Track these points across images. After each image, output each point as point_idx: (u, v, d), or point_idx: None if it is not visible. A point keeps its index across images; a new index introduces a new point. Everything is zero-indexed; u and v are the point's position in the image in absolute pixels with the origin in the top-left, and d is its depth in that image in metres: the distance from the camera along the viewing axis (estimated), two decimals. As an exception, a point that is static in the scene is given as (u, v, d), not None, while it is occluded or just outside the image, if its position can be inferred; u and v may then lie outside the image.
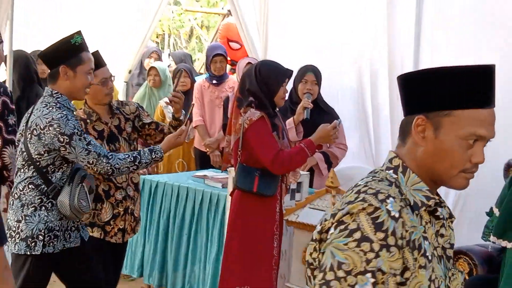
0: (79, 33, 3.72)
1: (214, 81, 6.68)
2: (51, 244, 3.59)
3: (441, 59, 5.71)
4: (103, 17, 7.85)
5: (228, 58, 7.29)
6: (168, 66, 8.24)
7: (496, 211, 3.56)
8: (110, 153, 3.65)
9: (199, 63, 12.72)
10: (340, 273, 1.61)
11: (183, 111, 4.21)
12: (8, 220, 3.61)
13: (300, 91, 5.34)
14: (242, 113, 4.28)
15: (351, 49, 6.12)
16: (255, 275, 4.32)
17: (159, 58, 8.52)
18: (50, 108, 3.52)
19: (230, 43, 8.73)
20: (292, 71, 4.47)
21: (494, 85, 1.82)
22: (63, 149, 3.49)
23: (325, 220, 1.74)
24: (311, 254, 1.78)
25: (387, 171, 1.83)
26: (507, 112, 5.28)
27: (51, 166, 3.55)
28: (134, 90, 8.10)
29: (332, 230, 1.69)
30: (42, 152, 3.51)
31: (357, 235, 1.63)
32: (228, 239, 4.42)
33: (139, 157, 3.72)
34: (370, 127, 6.11)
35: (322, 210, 4.21)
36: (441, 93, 1.75)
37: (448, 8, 5.62)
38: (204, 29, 17.27)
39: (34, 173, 3.54)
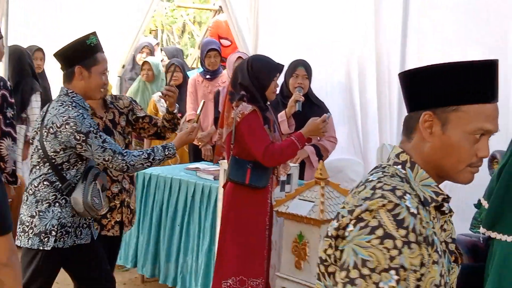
0: (94, 34, 3.71)
1: (208, 76, 6.68)
2: (62, 239, 3.60)
3: (428, 56, 5.74)
4: (97, 13, 7.82)
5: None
6: (161, 61, 8.23)
7: (485, 203, 3.57)
8: (125, 150, 3.67)
9: (191, 58, 12.72)
10: (365, 271, 1.58)
11: (177, 105, 4.21)
12: (21, 215, 3.61)
13: (291, 85, 5.35)
14: (234, 107, 4.29)
15: (340, 46, 6.13)
16: (248, 265, 4.34)
17: (151, 53, 8.50)
18: (66, 107, 3.53)
19: (221, 40, 8.73)
20: (283, 66, 4.48)
21: (498, 80, 1.79)
22: (80, 146, 3.50)
23: (342, 216, 1.70)
24: (325, 250, 1.74)
25: (395, 166, 1.80)
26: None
27: (66, 163, 3.56)
28: (127, 84, 8.09)
29: (351, 227, 1.66)
30: (58, 150, 3.52)
31: (380, 232, 1.60)
32: (222, 231, 4.44)
33: (153, 154, 3.73)
34: (358, 121, 6.13)
35: (311, 201, 4.22)
36: (448, 89, 1.74)
37: (434, 5, 5.64)
38: (196, 24, 17.25)
39: (49, 170, 3.55)
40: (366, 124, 6.10)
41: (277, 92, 4.71)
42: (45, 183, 3.56)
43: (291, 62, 5.38)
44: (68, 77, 3.64)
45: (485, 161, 4.00)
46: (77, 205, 3.54)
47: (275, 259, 4.59)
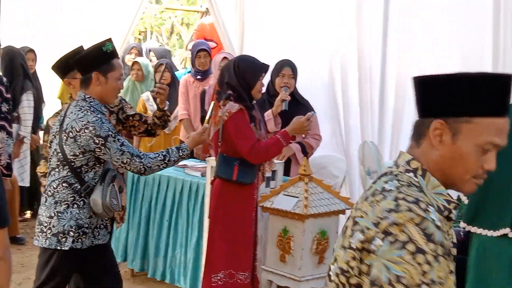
0: (110, 40, 3.73)
1: (199, 77, 6.67)
2: (80, 240, 3.60)
3: (407, 56, 5.77)
4: (90, 14, 7.75)
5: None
6: (150, 61, 8.21)
7: (464, 199, 3.58)
8: (142, 153, 3.67)
9: (178, 59, 12.70)
10: (400, 287, 1.54)
11: (167, 102, 4.20)
12: (40, 216, 3.61)
13: (277, 84, 5.34)
14: (221, 106, 4.30)
15: (323, 46, 6.14)
16: (236, 259, 4.35)
17: (139, 54, 8.48)
18: (85, 112, 3.54)
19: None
20: (268, 66, 4.49)
21: (510, 95, 1.74)
22: (98, 150, 3.51)
23: (367, 229, 1.63)
24: (348, 262, 1.67)
25: (407, 174, 1.75)
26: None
27: (84, 166, 3.56)
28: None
29: (378, 241, 1.60)
30: (78, 153, 3.52)
31: (411, 247, 1.55)
32: (211, 228, 4.44)
33: (168, 155, 3.73)
34: (341, 119, 6.15)
35: (296, 197, 4.23)
36: (462, 100, 1.69)
37: (413, 7, 5.67)
38: (184, 26, 17.23)
39: (68, 173, 3.55)
40: (348, 122, 6.12)
41: (263, 91, 4.72)
42: (64, 185, 3.56)
43: (277, 62, 5.38)
44: (85, 83, 3.65)
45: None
46: (96, 206, 3.55)
47: (260, 253, 4.60)
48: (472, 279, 3.47)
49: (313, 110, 5.24)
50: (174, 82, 6.94)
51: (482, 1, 5.20)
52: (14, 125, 6.17)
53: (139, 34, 16.90)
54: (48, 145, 3.72)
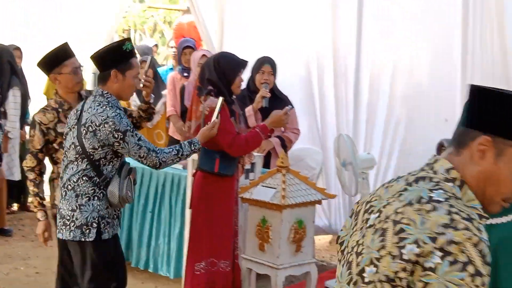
0: (129, 40, 3.73)
1: (185, 74, 6.63)
2: (106, 230, 3.59)
3: (380, 54, 5.81)
4: (88, 14, 7.60)
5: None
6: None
7: None
8: (158, 148, 3.67)
9: (161, 56, 12.65)
10: None
11: (152, 95, 4.19)
12: (61, 210, 3.58)
13: (258, 81, 5.33)
14: (202, 101, 4.30)
15: (301, 44, 6.15)
16: (218, 248, 4.35)
17: None
18: (104, 107, 3.51)
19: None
20: (247, 62, 4.48)
21: None
22: (117, 144, 3.49)
23: (423, 242, 1.53)
24: (396, 272, 1.56)
25: (448, 183, 1.66)
26: (437, 100, 5.40)
27: (103, 159, 3.54)
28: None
29: (437, 260, 1.50)
30: (97, 147, 3.50)
31: (471, 269, 1.48)
32: (194, 219, 4.44)
33: (181, 150, 3.74)
34: (317, 113, 6.17)
35: (274, 188, 4.23)
36: None
37: (385, 9, 5.70)
38: (166, 24, 17.17)
39: (87, 166, 3.53)
40: (324, 116, 6.14)
41: (243, 86, 4.72)
42: (84, 178, 3.53)
43: (257, 59, 5.37)
44: (103, 79, 3.62)
45: (434, 148, 4.05)
46: (113, 198, 3.54)
47: (240, 242, 4.61)
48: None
49: (292, 105, 5.25)
50: (156, 78, 6.91)
51: (452, 3, 5.24)
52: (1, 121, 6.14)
53: (123, 32, 16.83)
54: (64, 137, 3.70)
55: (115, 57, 3.59)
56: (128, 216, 5.44)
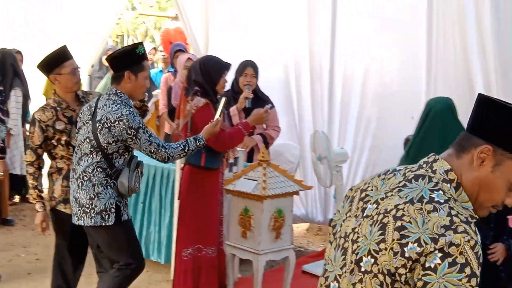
0: (141, 44, 3.73)
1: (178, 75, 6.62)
2: (125, 212, 3.64)
3: (353, 55, 5.81)
4: (88, 14, 7.35)
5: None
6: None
7: None
8: (166, 144, 3.68)
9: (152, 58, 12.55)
10: None
11: (146, 94, 4.18)
12: (79, 199, 3.57)
13: (241, 82, 5.31)
14: (189, 101, 4.29)
15: (280, 48, 6.14)
16: (204, 236, 4.35)
17: None
18: (118, 105, 3.52)
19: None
20: (230, 64, 4.48)
21: None
22: (130, 140, 3.51)
23: (425, 242, 1.50)
24: (397, 268, 1.53)
25: (446, 184, 1.63)
26: (404, 99, 5.43)
27: (115, 153, 3.56)
28: (96, 82, 7.96)
29: (438, 260, 1.48)
30: (111, 142, 3.51)
31: (468, 270, 1.47)
32: (181, 208, 4.43)
33: (187, 145, 3.75)
34: (295, 112, 6.17)
35: (255, 180, 4.23)
36: None
37: (358, 12, 5.71)
38: (156, 30, 17.09)
39: (101, 159, 3.54)
40: (302, 114, 6.15)
41: (227, 87, 4.71)
42: (98, 169, 3.54)
43: (240, 62, 5.34)
44: (117, 79, 3.63)
45: (401, 143, 4.09)
46: (123, 188, 3.56)
47: (225, 230, 4.60)
48: None
49: (272, 105, 5.25)
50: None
51: (418, 7, 5.26)
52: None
53: (117, 37, 16.74)
54: (77, 131, 3.70)
55: (129, 60, 3.61)
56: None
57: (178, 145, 3.72)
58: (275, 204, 4.26)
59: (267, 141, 5.38)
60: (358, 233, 1.64)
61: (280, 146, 5.81)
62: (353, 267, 1.62)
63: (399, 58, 5.57)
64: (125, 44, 17.02)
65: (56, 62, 3.87)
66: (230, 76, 4.77)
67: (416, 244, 1.50)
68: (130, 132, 3.48)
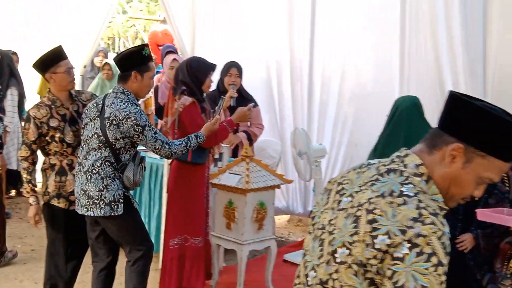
0: (147, 45, 3.74)
1: None
2: (134, 200, 3.66)
3: (330, 57, 5.82)
4: (88, 15, 7.15)
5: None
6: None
7: None
8: (170, 141, 3.67)
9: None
10: None
11: None
12: (88, 191, 3.53)
13: (226, 82, 5.28)
14: (176, 99, 4.27)
15: (262, 50, 6.14)
16: (191, 227, 4.33)
17: (105, 56, 8.31)
18: (126, 104, 3.52)
19: (159, 47, 8.60)
20: (216, 65, 4.45)
21: None
22: (137, 136, 3.51)
23: (394, 234, 1.49)
24: (368, 259, 1.52)
25: (416, 178, 1.61)
26: (379, 99, 5.44)
27: (122, 149, 3.55)
28: (88, 82, 7.88)
29: (405, 250, 1.47)
30: (119, 138, 3.50)
31: (434, 260, 1.46)
32: (170, 200, 4.41)
33: (189, 142, 3.76)
34: (276, 110, 6.16)
35: (239, 175, 4.21)
36: (491, 139, 1.56)
37: (335, 15, 5.71)
38: (146, 32, 17.00)
39: (109, 154, 3.53)
40: (283, 112, 6.14)
41: (212, 87, 4.69)
42: (106, 163, 3.53)
43: (225, 63, 5.32)
44: (124, 79, 3.62)
45: (375, 139, 4.08)
46: (128, 181, 3.56)
47: (210, 221, 4.58)
48: None
49: (256, 103, 5.23)
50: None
51: (391, 12, 5.27)
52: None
53: (108, 39, 16.64)
54: (83, 126, 3.68)
55: (136, 60, 3.60)
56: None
57: (181, 141, 3.73)
58: (257, 197, 4.25)
59: (251, 138, 5.36)
60: (334, 225, 1.62)
61: (262, 142, 5.80)
62: (329, 258, 1.60)
63: (374, 61, 5.59)
64: (116, 46, 16.94)
65: (52, 61, 3.83)
66: (215, 77, 4.75)
67: (386, 236, 1.49)
68: (137, 129, 3.48)
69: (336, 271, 1.57)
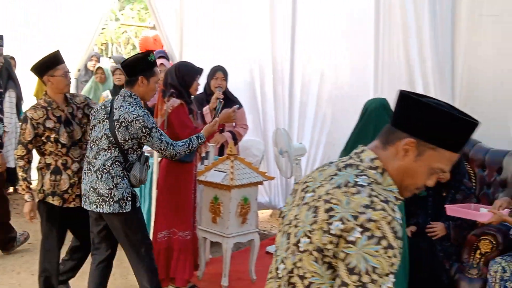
0: (152, 52, 3.72)
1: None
2: (138, 200, 3.63)
3: (311, 60, 5.82)
4: (88, 15, 6.96)
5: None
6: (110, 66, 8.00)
7: None
8: (174, 142, 3.66)
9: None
10: (375, 276, 1.46)
11: None
12: (99, 189, 3.50)
13: (212, 85, 5.26)
14: (166, 101, 4.26)
15: (246, 54, 6.14)
16: (179, 221, 4.31)
17: (98, 60, 8.25)
18: (134, 107, 3.51)
19: (150, 53, 8.55)
20: (203, 69, 4.44)
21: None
22: (144, 138, 3.50)
23: (347, 220, 1.50)
24: (325, 244, 1.53)
25: (372, 171, 1.63)
26: (355, 100, 5.44)
27: (130, 149, 3.53)
28: (82, 85, 7.82)
29: (357, 234, 1.48)
30: (127, 139, 3.48)
31: (384, 243, 1.47)
32: (159, 196, 4.40)
33: (191, 143, 3.75)
34: (259, 111, 6.16)
35: (224, 172, 4.21)
36: (439, 132, 1.57)
37: (314, 20, 5.71)
38: (137, 38, 16.91)
39: (118, 154, 3.51)
40: (265, 113, 6.14)
41: (199, 90, 4.67)
42: (116, 163, 3.51)
43: (212, 67, 5.30)
44: (131, 83, 3.60)
45: (346, 138, 4.07)
46: (134, 180, 3.55)
47: (198, 216, 4.57)
48: None
49: (241, 105, 5.22)
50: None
51: (366, 18, 5.28)
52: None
53: (102, 45, 16.54)
54: (91, 128, 3.66)
55: (142, 66, 3.59)
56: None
57: (183, 143, 3.73)
58: (241, 193, 4.24)
59: (236, 138, 5.35)
60: (298, 219, 1.64)
61: (246, 141, 5.80)
62: (294, 249, 1.61)
63: (350, 64, 5.59)
64: (109, 51, 16.82)
65: (51, 64, 3.80)
66: (202, 80, 4.73)
67: (340, 222, 1.51)
68: (145, 131, 3.47)
69: (300, 259, 1.58)
